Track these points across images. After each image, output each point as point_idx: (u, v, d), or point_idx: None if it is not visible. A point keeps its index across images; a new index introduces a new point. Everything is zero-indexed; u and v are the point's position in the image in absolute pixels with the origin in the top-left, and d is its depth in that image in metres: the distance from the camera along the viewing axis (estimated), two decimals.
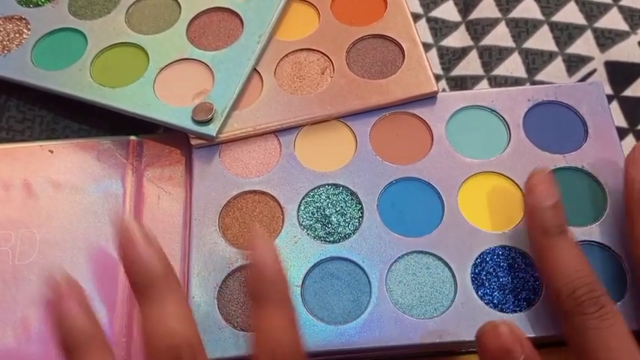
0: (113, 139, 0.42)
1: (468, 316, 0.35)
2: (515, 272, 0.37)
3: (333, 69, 0.42)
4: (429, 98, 0.41)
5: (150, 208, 0.40)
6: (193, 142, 0.40)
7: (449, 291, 0.36)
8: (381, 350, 0.35)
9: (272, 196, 0.39)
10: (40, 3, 0.47)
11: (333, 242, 0.38)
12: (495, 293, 0.36)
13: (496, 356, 0.30)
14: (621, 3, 0.47)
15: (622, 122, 0.43)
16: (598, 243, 0.37)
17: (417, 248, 0.37)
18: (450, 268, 0.37)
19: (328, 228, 0.38)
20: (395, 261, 0.37)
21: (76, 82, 0.42)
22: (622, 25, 0.46)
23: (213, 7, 0.44)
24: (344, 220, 0.38)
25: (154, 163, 0.42)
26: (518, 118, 0.41)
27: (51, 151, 0.42)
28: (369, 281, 0.36)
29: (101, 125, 0.45)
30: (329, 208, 0.39)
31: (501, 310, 0.35)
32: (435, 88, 0.41)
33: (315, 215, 0.39)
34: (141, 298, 0.30)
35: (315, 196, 0.39)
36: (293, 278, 0.36)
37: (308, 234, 0.38)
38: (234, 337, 0.36)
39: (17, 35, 0.45)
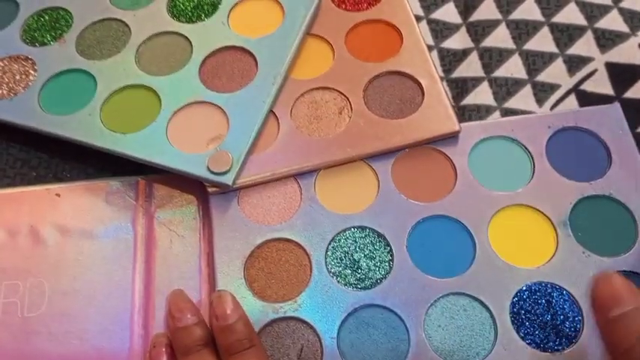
0: (122, 180, 0.41)
1: (511, 358, 0.34)
2: (554, 309, 0.36)
3: (351, 108, 0.41)
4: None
5: (162, 253, 0.39)
6: (210, 189, 0.39)
7: (489, 333, 0.35)
8: None
9: (297, 243, 0.38)
10: (46, 42, 0.45)
11: (365, 288, 0.37)
12: (537, 332, 0.35)
13: (608, 303, 0.34)
14: (621, 5, 0.46)
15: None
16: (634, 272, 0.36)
17: (452, 290, 0.36)
18: (487, 309, 0.36)
19: (358, 274, 0.37)
20: (431, 305, 0.36)
21: (86, 128, 0.40)
22: (622, 27, 0.45)
23: (226, 46, 0.43)
24: (374, 264, 0.37)
25: (164, 205, 0.41)
26: (541, 146, 0.40)
27: (58, 195, 0.41)
28: (406, 328, 0.35)
29: (106, 166, 0.43)
30: (357, 252, 0.38)
31: (544, 350, 0.35)
32: (457, 128, 0.40)
33: (344, 261, 0.37)
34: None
35: (342, 241, 0.38)
36: (328, 330, 0.35)
37: (338, 281, 0.37)
38: None
39: (24, 77, 0.44)
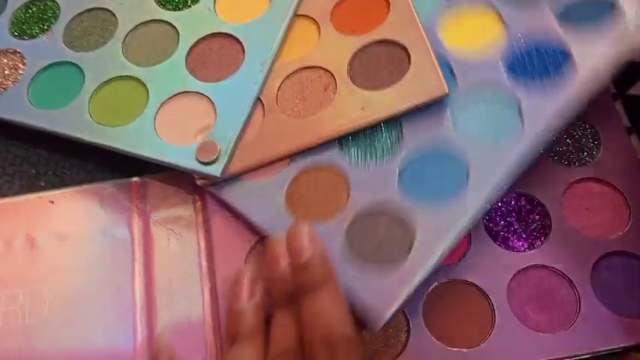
0: (115, 182, 0.41)
1: None
2: None
3: (336, 84, 0.40)
4: None
5: (161, 253, 0.39)
6: (199, 182, 0.39)
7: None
8: None
9: None
10: (34, 34, 0.45)
11: None
12: None
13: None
14: None
15: (625, 121, 0.42)
16: None
17: None
18: None
19: None
20: None
21: (75, 122, 0.40)
22: None
23: (213, 33, 0.43)
24: None
25: (159, 205, 0.40)
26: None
27: (51, 202, 0.41)
28: None
29: (106, 162, 0.43)
30: None
31: None
32: (446, 90, 0.38)
33: None
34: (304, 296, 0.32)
35: None
36: None
37: None
38: None
39: (13, 71, 0.43)
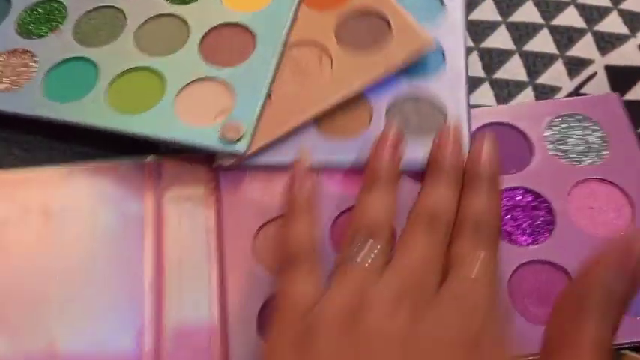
0: (131, 159, 0.42)
1: None
2: None
3: (329, 53, 0.42)
4: None
5: (172, 230, 0.40)
6: (219, 163, 0.40)
7: None
8: None
9: None
10: (42, 34, 0.46)
11: None
12: None
13: None
14: (621, 7, 0.47)
15: None
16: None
17: None
18: None
19: None
20: None
21: (95, 111, 0.41)
22: (622, 29, 0.46)
23: (223, 23, 0.44)
24: None
25: (173, 184, 0.41)
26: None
27: (69, 175, 0.42)
28: None
29: (113, 147, 0.43)
30: None
31: None
32: (432, 42, 0.41)
33: None
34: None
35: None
36: None
37: None
38: None
39: (24, 69, 0.44)
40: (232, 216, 0.39)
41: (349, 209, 0.39)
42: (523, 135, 0.42)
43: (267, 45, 0.42)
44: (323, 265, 0.34)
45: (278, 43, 0.42)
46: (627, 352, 0.36)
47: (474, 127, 0.42)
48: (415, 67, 0.42)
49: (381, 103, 0.42)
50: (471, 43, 0.47)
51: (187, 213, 0.40)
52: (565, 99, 0.44)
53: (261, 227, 0.39)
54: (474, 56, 0.46)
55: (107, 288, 0.38)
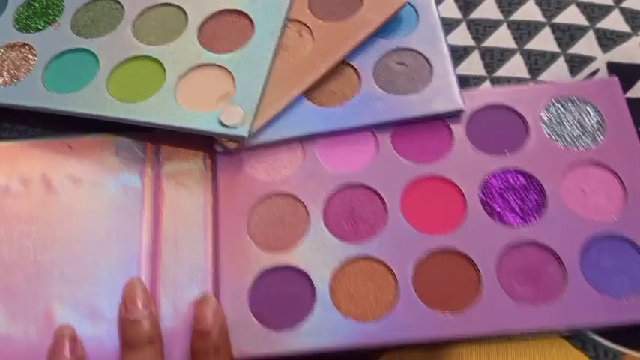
0: (131, 134, 0.43)
1: None
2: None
3: (307, 26, 0.43)
4: None
5: (169, 203, 0.41)
6: (218, 149, 0.41)
7: None
8: None
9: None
10: (40, 27, 0.46)
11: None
12: None
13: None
14: (623, 5, 0.47)
15: None
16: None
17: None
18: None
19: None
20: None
21: (96, 101, 0.41)
22: (624, 27, 0.46)
23: (221, 10, 0.44)
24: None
25: (172, 158, 0.42)
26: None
27: (70, 147, 0.42)
28: None
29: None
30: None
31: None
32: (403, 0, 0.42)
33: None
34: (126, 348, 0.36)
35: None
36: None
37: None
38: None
39: (24, 62, 0.44)
40: (228, 192, 0.40)
41: (344, 188, 0.40)
42: (520, 117, 0.42)
43: (266, 30, 0.43)
44: None
45: (276, 28, 0.43)
46: (628, 351, 0.37)
47: (472, 109, 0.42)
48: (392, 27, 0.43)
49: (366, 65, 0.42)
50: (472, 43, 0.47)
51: (185, 187, 0.41)
52: (563, 82, 0.44)
53: (256, 204, 0.40)
54: (476, 55, 0.46)
55: (106, 257, 0.39)
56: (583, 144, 0.41)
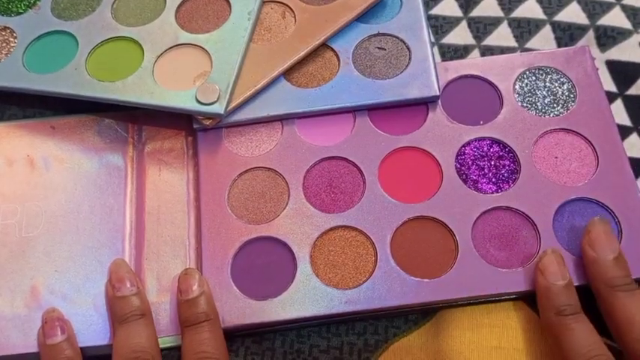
0: (113, 114, 0.43)
1: None
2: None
3: (291, 8, 0.44)
4: None
5: (152, 180, 0.42)
6: (195, 126, 0.41)
7: None
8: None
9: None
10: (20, 11, 0.46)
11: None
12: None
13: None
14: (624, 2, 0.47)
15: (626, 121, 0.43)
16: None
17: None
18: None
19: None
20: None
21: (75, 81, 0.42)
22: (625, 24, 0.46)
23: None
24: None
25: (154, 137, 0.43)
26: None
27: (53, 127, 0.43)
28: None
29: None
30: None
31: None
32: None
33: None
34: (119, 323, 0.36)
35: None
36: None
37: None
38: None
39: (4, 45, 0.45)
40: (209, 168, 0.41)
41: (322, 160, 0.41)
42: (494, 87, 0.43)
43: (242, 10, 0.43)
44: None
45: (253, 8, 0.43)
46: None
47: (447, 80, 0.43)
48: (376, 12, 0.44)
49: (346, 48, 0.43)
50: (473, 41, 0.47)
51: (167, 165, 0.42)
52: (536, 52, 0.44)
53: (236, 179, 0.41)
54: (476, 54, 0.46)
55: (90, 234, 0.40)
56: (555, 111, 0.42)
